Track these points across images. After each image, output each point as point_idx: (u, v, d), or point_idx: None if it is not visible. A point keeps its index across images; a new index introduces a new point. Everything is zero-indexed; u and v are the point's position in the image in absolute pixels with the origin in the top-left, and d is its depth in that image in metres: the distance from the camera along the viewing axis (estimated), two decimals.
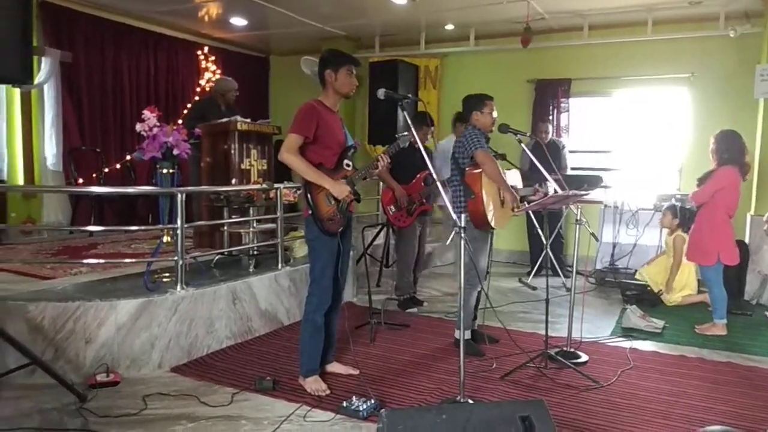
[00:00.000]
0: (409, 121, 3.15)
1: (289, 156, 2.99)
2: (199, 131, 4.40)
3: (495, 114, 3.73)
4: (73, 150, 6.38)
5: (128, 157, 6.43)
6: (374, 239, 5.97)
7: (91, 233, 5.87)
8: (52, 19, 6.24)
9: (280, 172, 5.53)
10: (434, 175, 3.11)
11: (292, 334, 4.08)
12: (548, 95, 7.36)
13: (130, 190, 5.36)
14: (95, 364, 3.24)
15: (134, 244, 5.37)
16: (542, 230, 4.28)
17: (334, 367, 3.43)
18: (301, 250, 4.88)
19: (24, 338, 3.05)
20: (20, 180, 6.08)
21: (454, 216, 2.76)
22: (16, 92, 5.86)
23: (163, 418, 2.82)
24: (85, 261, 4.26)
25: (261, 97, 9.23)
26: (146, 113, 3.50)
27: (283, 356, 3.70)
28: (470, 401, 2.88)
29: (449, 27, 7.39)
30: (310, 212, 3.05)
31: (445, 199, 2.97)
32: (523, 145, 3.88)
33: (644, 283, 5.42)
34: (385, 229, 5.75)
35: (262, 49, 9.18)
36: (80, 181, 6.30)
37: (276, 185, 4.44)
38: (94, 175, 6.46)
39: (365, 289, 4.98)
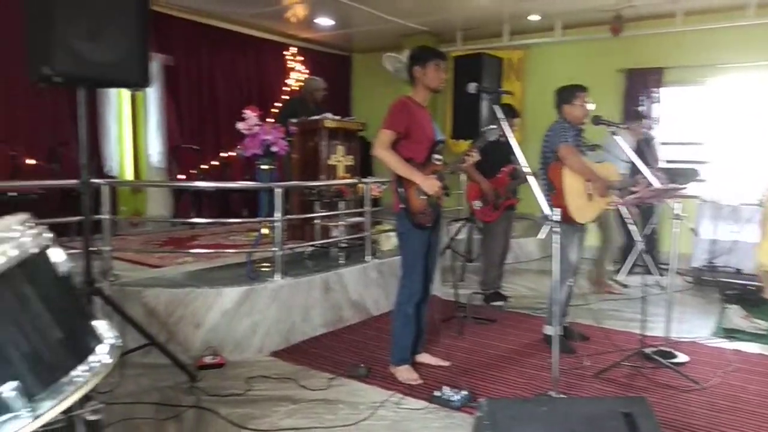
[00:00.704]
0: (502, 115, 3.15)
1: (382, 151, 3.08)
2: (294, 129, 4.62)
3: (591, 105, 3.65)
4: (174, 148, 6.84)
5: (232, 154, 6.77)
6: (457, 233, 5.98)
7: (192, 225, 6.27)
8: (157, 25, 6.69)
9: (366, 168, 5.68)
10: (525, 169, 3.10)
11: (381, 324, 4.20)
12: (639, 85, 7.07)
13: (234, 185, 5.72)
14: (203, 347, 3.49)
15: (232, 236, 5.70)
16: (636, 225, 4.15)
17: (423, 358, 3.50)
18: (387, 243, 4.99)
19: (141, 321, 3.32)
20: (129, 176, 6.59)
21: (547, 210, 2.74)
22: (126, 95, 6.37)
23: (266, 399, 3.00)
24: (191, 251, 4.58)
25: (343, 95, 9.46)
26: (248, 112, 3.70)
27: (373, 345, 3.81)
28: (564, 397, 2.86)
29: (534, 18, 7.26)
30: (402, 206, 3.13)
31: (538, 192, 2.95)
32: (617, 137, 3.78)
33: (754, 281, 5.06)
34: (468, 223, 5.75)
35: (344, 48, 9.39)
36: (181, 176, 6.74)
37: (364, 180, 4.57)
38: (192, 171, 6.89)
39: (449, 283, 5.03)
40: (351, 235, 4.76)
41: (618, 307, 4.90)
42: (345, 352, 3.71)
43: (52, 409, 1.16)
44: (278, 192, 3.75)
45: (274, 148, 3.75)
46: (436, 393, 2.96)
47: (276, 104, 7.66)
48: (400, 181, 3.11)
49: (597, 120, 3.60)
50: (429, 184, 3.07)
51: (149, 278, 3.84)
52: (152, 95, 6.64)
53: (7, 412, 1.11)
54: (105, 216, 3.57)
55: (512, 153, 3.08)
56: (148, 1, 2.78)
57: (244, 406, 2.91)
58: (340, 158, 5.18)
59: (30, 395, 1.13)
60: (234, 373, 3.33)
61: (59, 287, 1.26)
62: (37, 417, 1.14)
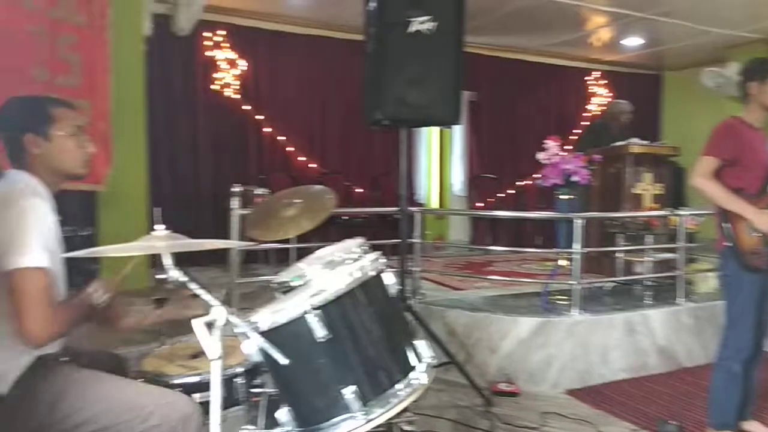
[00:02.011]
0: None
1: (702, 181, 2.72)
2: (599, 157, 4.44)
3: None
4: (474, 177, 7.23)
5: (528, 182, 6.89)
6: None
7: (486, 251, 6.51)
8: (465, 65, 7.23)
9: (677, 197, 5.08)
10: None
11: (694, 378, 3.68)
12: None
13: (533, 215, 5.79)
14: (498, 373, 3.56)
15: (525, 264, 5.73)
16: None
17: (753, 427, 2.93)
18: (705, 284, 4.37)
19: (443, 339, 3.57)
20: (434, 203, 7.22)
21: None
22: (435, 131, 7.02)
23: None
24: (489, 277, 4.75)
25: (650, 117, 8.70)
26: (549, 142, 3.70)
27: (684, 400, 3.36)
28: None
29: None
30: (727, 244, 2.70)
31: None
32: None
33: None
34: None
35: (653, 67, 8.66)
36: (479, 204, 7.09)
37: (677, 212, 4.11)
38: (490, 199, 7.18)
39: None
40: (659, 273, 4.31)
41: None
42: (649, 403, 3.35)
43: (381, 416, 1.33)
44: (578, 223, 3.64)
45: (574, 178, 3.65)
46: None
47: (575, 131, 7.48)
48: (726, 215, 2.69)
49: None
50: (763, 220, 2.60)
51: (451, 299, 4.10)
52: (457, 129, 7.16)
53: (346, 412, 1.31)
54: (416, 240, 3.95)
55: None
56: (462, 47, 3.02)
57: None
58: (647, 186, 4.75)
59: (365, 400, 1.32)
60: (528, 405, 3.31)
61: (390, 307, 1.44)
62: (369, 420, 1.31)
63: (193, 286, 1.25)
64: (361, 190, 6.63)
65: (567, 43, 7.21)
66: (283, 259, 5.25)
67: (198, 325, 1.15)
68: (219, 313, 1.18)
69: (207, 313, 2.07)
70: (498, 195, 7.30)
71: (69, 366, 1.72)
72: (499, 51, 7.45)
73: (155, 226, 1.31)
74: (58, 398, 1.60)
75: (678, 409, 3.23)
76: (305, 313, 1.28)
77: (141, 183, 4.30)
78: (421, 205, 6.91)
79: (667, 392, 3.52)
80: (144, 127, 4.37)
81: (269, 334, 1.28)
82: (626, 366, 3.75)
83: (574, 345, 3.61)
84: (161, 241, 1.28)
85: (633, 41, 7.14)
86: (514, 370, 3.57)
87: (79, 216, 3.72)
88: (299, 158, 6.49)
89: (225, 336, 2.27)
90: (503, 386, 3.44)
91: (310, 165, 6.53)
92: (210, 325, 1.17)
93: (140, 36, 4.28)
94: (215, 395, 1.20)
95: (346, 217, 5.61)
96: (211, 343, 1.15)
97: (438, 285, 4.69)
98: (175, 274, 1.24)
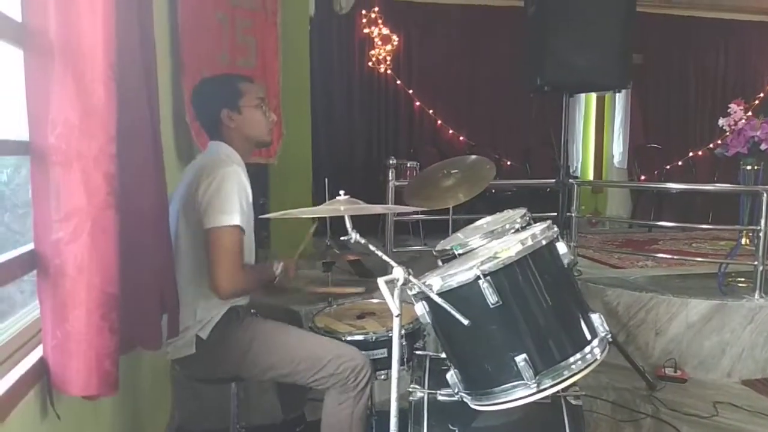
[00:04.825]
0: None
1: None
2: None
3: None
4: (637, 148, 6.71)
5: (699, 153, 6.28)
6: None
7: (650, 229, 6.05)
8: None
9: None
10: None
11: None
12: None
13: (708, 187, 5.24)
14: (663, 356, 3.33)
15: (695, 243, 5.24)
16: None
17: None
18: None
19: None
20: (590, 176, 6.83)
21: None
22: (593, 97, 6.60)
23: (736, 430, 2.66)
24: (656, 255, 4.44)
25: None
26: (733, 106, 3.31)
27: None
28: None
29: None
30: None
31: None
32: None
33: None
34: None
35: None
36: (642, 177, 6.58)
37: None
38: (655, 171, 6.63)
39: None
40: None
41: None
42: None
43: (552, 387, 1.32)
44: (766, 197, 3.23)
45: (763, 146, 3.24)
46: None
47: (758, 96, 6.61)
48: None
49: None
50: None
51: (611, 278, 3.89)
52: (618, 96, 6.66)
53: (519, 379, 1.31)
54: (573, 214, 3.79)
55: None
56: (634, 4, 2.80)
57: (710, 431, 2.65)
58: None
59: (536, 369, 1.31)
60: (697, 393, 3.06)
61: (563, 277, 1.41)
62: (540, 390, 1.31)
63: (371, 248, 1.32)
64: (509, 163, 6.48)
65: None
66: (431, 230, 5.35)
67: (381, 283, 1.22)
68: (399, 273, 1.24)
69: (358, 292, 2.22)
70: (666, 167, 6.71)
71: (257, 318, 1.93)
72: (668, 8, 6.75)
73: (340, 192, 1.41)
74: (250, 345, 1.80)
75: None
76: (477, 278, 1.29)
77: (306, 157, 4.60)
78: (576, 178, 6.59)
79: None
80: (308, 105, 4.64)
81: (441, 298, 1.32)
82: None
83: (755, 332, 3.26)
84: (343, 205, 1.37)
85: None
86: (681, 354, 3.32)
87: (254, 187, 4.09)
88: (449, 131, 6.49)
89: (382, 300, 2.39)
90: (669, 371, 3.22)
91: (459, 138, 6.50)
92: (391, 284, 1.23)
93: (306, 17, 4.52)
94: (395, 347, 1.27)
95: (493, 190, 5.51)
96: (393, 300, 1.22)
97: (595, 262, 4.47)
98: (355, 235, 1.33)
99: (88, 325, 1.15)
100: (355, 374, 1.77)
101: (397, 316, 1.23)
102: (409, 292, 1.35)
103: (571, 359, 1.34)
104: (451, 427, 1.62)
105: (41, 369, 1.18)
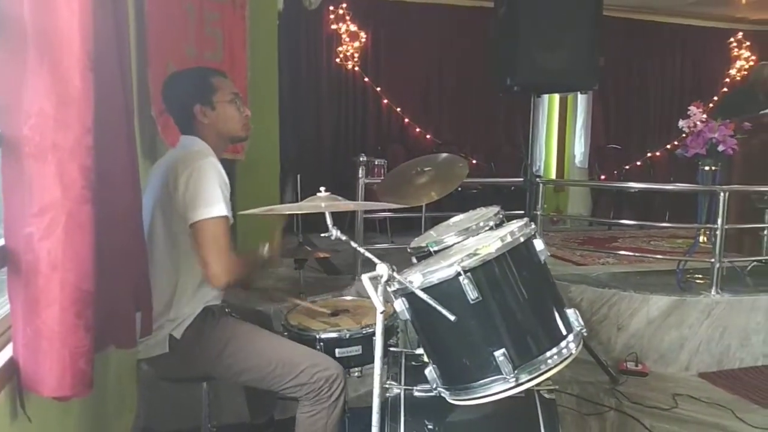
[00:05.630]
0: None
1: None
2: (749, 125, 4.04)
3: None
4: (598, 148, 6.88)
5: (657, 154, 6.47)
6: None
7: (610, 227, 6.22)
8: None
9: None
10: None
11: None
12: None
13: (669, 186, 5.39)
14: (625, 350, 3.43)
15: (653, 241, 5.41)
16: None
17: None
18: None
19: None
20: (552, 175, 6.97)
21: None
22: (556, 98, 6.73)
23: (696, 421, 2.77)
24: (617, 252, 4.57)
25: None
26: (692, 109, 3.43)
27: None
28: None
29: None
30: None
31: None
32: None
33: None
34: None
35: None
36: (602, 177, 6.75)
37: None
38: (614, 171, 6.81)
39: None
40: None
41: None
42: None
43: (529, 381, 1.34)
44: (723, 197, 3.37)
45: (720, 147, 3.37)
46: None
47: (713, 99, 6.87)
48: None
49: None
50: None
51: (574, 274, 3.98)
52: (580, 97, 6.82)
53: (497, 374, 1.33)
54: (539, 212, 3.85)
55: None
56: (602, 7, 2.86)
57: (670, 423, 2.75)
58: None
59: (514, 364, 1.33)
60: (658, 386, 3.17)
61: (540, 273, 1.43)
62: (518, 384, 1.33)
63: (353, 244, 1.32)
64: (474, 162, 6.56)
65: (708, 2, 6.57)
66: (398, 228, 5.37)
67: (365, 279, 1.22)
68: (383, 269, 1.24)
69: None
70: (624, 167, 6.90)
71: (233, 318, 1.89)
72: (628, 12, 6.94)
73: (320, 188, 1.40)
74: (225, 346, 1.77)
75: None
76: (458, 274, 1.31)
77: (274, 152, 4.54)
78: (539, 177, 6.70)
79: None
80: (276, 100, 4.58)
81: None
82: None
83: (711, 327, 3.40)
84: (324, 201, 1.36)
85: None
86: (642, 349, 3.43)
87: None
88: (416, 129, 6.52)
89: (360, 298, 2.37)
90: (631, 365, 3.32)
91: (426, 136, 6.54)
92: (374, 280, 1.23)
93: (275, 12, 4.46)
94: (378, 343, 1.27)
95: (459, 188, 5.53)
96: (376, 297, 1.22)
97: (557, 259, 4.57)
98: (336, 232, 1.32)
99: (62, 323, 1.11)
100: (329, 384, 1.75)
101: (381, 312, 1.23)
102: (389, 289, 1.35)
103: (548, 354, 1.37)
104: (426, 422, 1.63)
105: (11, 369, 1.13)
